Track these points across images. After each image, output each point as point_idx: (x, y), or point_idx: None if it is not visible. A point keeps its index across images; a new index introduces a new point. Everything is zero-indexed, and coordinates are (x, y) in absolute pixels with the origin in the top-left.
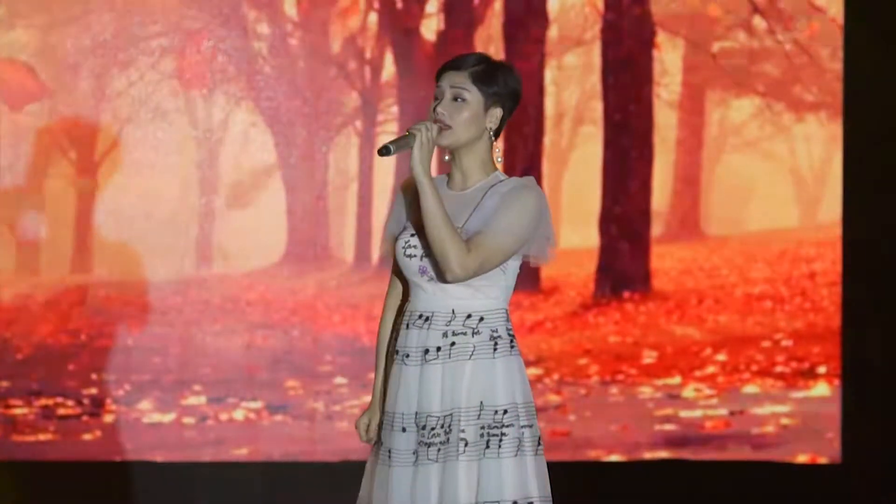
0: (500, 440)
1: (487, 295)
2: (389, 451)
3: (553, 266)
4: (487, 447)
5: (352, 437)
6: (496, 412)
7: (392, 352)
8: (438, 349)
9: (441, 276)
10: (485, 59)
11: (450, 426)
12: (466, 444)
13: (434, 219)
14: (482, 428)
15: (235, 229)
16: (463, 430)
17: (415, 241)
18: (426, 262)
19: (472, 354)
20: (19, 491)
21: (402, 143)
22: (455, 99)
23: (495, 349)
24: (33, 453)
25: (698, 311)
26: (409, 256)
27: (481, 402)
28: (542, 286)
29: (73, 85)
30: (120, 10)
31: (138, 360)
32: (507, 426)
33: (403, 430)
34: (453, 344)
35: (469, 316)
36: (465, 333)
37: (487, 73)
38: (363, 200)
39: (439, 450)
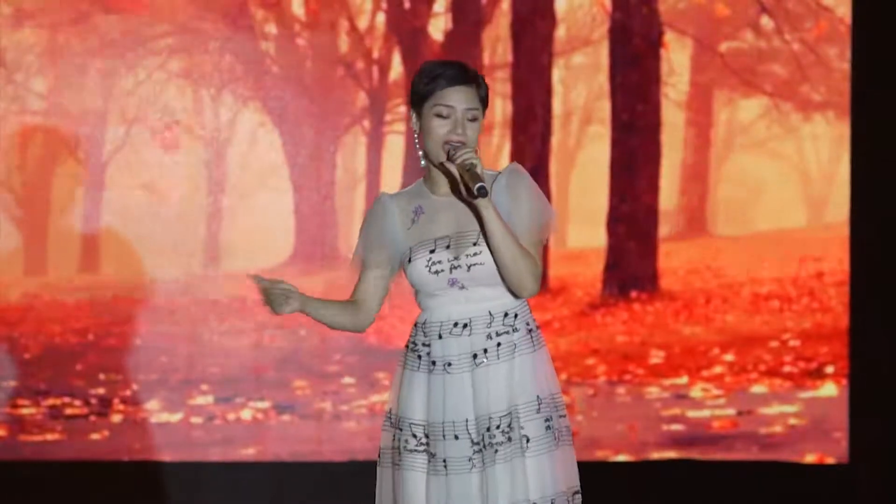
0: (555, 430)
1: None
2: (445, 461)
3: (560, 266)
4: (556, 439)
5: (359, 437)
6: (550, 403)
7: (425, 364)
8: (486, 351)
9: (517, 291)
10: (479, 75)
11: (509, 425)
12: (528, 441)
13: (507, 244)
14: (546, 420)
15: (243, 229)
16: (523, 427)
17: (437, 256)
18: (456, 274)
19: (516, 351)
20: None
21: (475, 174)
22: (470, 119)
23: (532, 342)
24: (41, 453)
25: (706, 310)
26: (436, 273)
27: (538, 396)
28: (550, 286)
29: (81, 84)
30: (128, 9)
31: (146, 360)
32: (559, 417)
33: (456, 437)
34: (499, 344)
35: (506, 315)
36: (507, 332)
37: (485, 90)
38: (371, 200)
39: (497, 451)
